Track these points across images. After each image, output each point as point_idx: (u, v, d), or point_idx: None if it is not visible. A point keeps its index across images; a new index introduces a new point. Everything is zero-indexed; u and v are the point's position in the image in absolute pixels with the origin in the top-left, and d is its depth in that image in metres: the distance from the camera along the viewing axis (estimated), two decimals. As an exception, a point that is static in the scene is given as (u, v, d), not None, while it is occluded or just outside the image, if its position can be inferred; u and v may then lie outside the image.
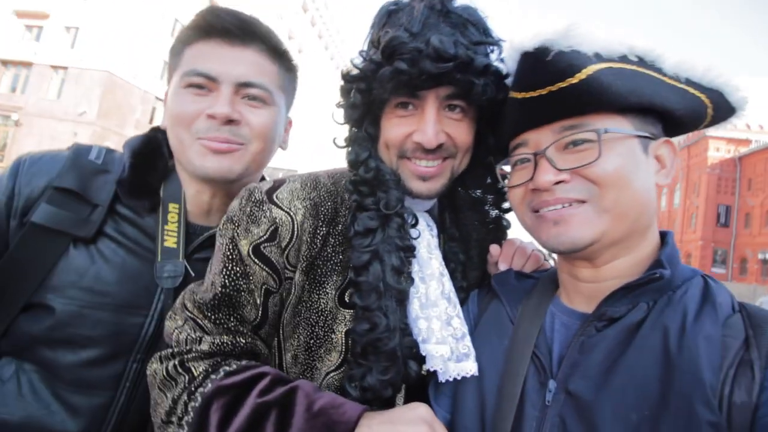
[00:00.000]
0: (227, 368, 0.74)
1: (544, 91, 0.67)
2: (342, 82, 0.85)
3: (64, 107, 21.97)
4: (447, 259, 0.94)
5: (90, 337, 0.87)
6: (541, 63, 0.66)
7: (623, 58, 0.67)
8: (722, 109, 0.74)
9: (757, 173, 38.62)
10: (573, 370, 0.68)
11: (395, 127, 0.81)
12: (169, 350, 0.79)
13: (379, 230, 0.80)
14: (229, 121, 0.91)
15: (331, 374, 0.82)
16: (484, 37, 0.78)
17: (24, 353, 0.87)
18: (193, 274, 0.95)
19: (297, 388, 0.70)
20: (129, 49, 21.87)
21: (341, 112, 0.87)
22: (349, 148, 0.87)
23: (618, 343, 0.65)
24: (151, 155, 0.99)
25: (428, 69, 0.70)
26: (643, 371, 0.60)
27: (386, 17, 0.81)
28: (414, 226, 0.87)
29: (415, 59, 0.71)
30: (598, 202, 0.67)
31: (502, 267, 0.95)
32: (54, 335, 0.86)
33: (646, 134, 0.69)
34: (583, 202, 0.68)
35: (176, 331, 0.79)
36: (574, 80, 0.63)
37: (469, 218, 0.97)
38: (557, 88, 0.65)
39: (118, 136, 20.83)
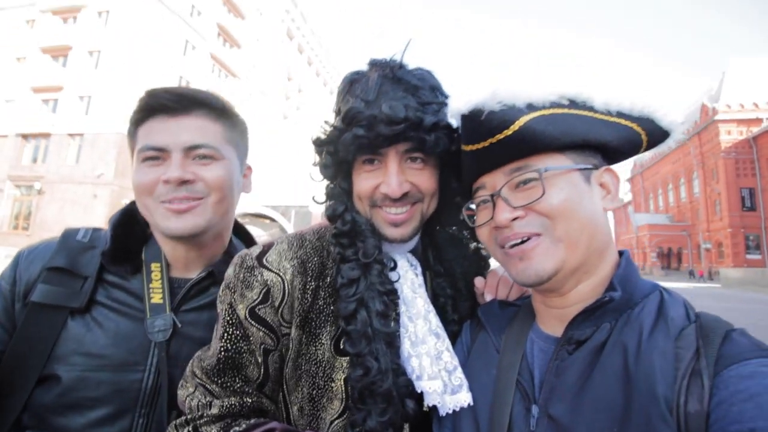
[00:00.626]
0: (237, 428, 0.78)
1: (486, 143, 0.75)
2: (313, 147, 0.95)
3: (83, 171, 22.93)
4: (437, 295, 0.99)
5: (95, 398, 0.93)
6: (477, 122, 0.74)
7: (555, 104, 0.74)
8: (656, 133, 0.80)
9: (776, 152, 37.55)
10: (551, 394, 0.71)
11: (364, 181, 0.89)
12: (183, 418, 0.83)
13: (362, 279, 0.86)
14: (184, 182, 1.00)
15: (335, 422, 0.85)
16: (433, 97, 0.87)
17: (42, 424, 0.93)
18: (180, 325, 1.02)
19: None
20: (139, 109, 22.86)
21: (317, 170, 0.96)
22: (327, 203, 0.95)
23: (586, 365, 0.68)
24: (129, 225, 1.10)
25: (383, 132, 0.80)
26: (609, 390, 0.63)
27: (348, 86, 0.90)
28: (393, 269, 0.92)
29: (371, 124, 0.81)
30: (552, 233, 0.73)
31: (488, 297, 1.00)
32: (63, 401, 0.92)
33: (586, 166, 0.76)
34: (539, 234, 0.74)
35: (188, 398, 0.85)
36: (508, 132, 0.71)
37: (451, 254, 1.04)
38: (496, 140, 0.73)
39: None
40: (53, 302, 0.96)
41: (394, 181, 0.84)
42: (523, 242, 0.75)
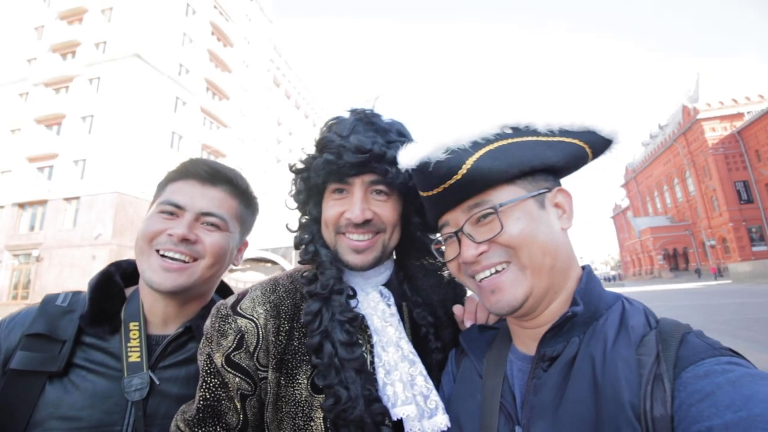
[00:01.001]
0: None
1: (440, 189, 0.79)
2: (290, 174, 1.04)
3: (81, 234, 22.96)
4: (418, 325, 1.02)
5: None
6: (426, 174, 0.79)
7: (499, 136, 0.77)
8: (598, 144, 0.84)
9: (762, 143, 38.15)
10: (532, 413, 0.72)
11: (331, 209, 0.96)
12: None
13: (324, 310, 0.89)
14: (185, 240, 1.06)
15: None
16: (399, 139, 0.96)
17: None
18: (158, 383, 1.02)
19: None
20: (133, 167, 23.28)
21: (292, 200, 1.04)
22: (297, 233, 1.02)
23: (561, 380, 0.70)
24: (105, 286, 1.11)
25: (349, 159, 0.89)
26: (581, 403, 0.65)
27: (327, 128, 1.00)
28: (353, 297, 0.95)
29: (340, 152, 0.90)
30: (517, 261, 0.76)
31: (468, 324, 1.01)
32: None
33: (539, 191, 0.78)
34: (508, 262, 0.76)
35: None
36: (458, 176, 0.75)
37: (426, 283, 1.07)
38: (448, 185, 0.77)
39: (133, 250, 21.36)
40: (32, 368, 0.96)
41: (358, 207, 0.92)
42: (491, 274, 0.78)
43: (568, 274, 0.79)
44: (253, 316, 0.90)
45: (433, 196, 0.81)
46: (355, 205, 0.92)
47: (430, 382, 0.91)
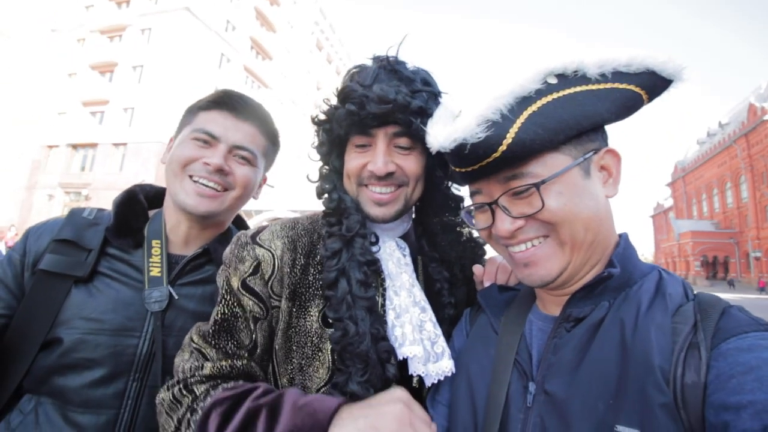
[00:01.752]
0: (226, 385, 0.82)
1: (476, 167, 0.72)
2: (313, 126, 1.02)
3: (126, 178, 24.25)
4: (433, 280, 1.02)
5: (92, 359, 1.00)
6: (463, 155, 0.71)
7: (541, 92, 0.68)
8: (657, 87, 0.74)
9: (836, 153, 34.65)
10: (549, 370, 0.71)
11: (353, 160, 0.95)
12: (175, 378, 0.88)
13: (344, 251, 0.91)
14: (220, 170, 1.13)
15: (322, 390, 0.88)
16: (424, 88, 0.92)
17: (40, 387, 1.00)
18: (176, 297, 1.10)
19: (286, 391, 0.79)
20: (176, 119, 23.98)
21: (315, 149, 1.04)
22: (318, 183, 1.02)
23: (584, 341, 0.69)
24: (130, 203, 1.18)
25: (372, 110, 0.86)
26: (605, 363, 0.64)
27: (350, 77, 0.98)
28: (375, 243, 0.97)
29: (363, 102, 0.87)
30: (556, 236, 0.72)
31: (487, 284, 1.01)
32: (62, 362, 0.99)
33: (585, 156, 0.72)
34: (546, 236, 0.73)
35: (182, 363, 0.89)
36: (497, 154, 0.68)
37: (445, 240, 1.06)
38: (485, 163, 0.70)
39: (172, 199, 22.51)
40: (59, 270, 1.04)
41: (381, 160, 0.90)
42: (527, 248, 0.74)
43: (608, 244, 0.76)
44: (270, 247, 0.94)
45: (467, 171, 0.75)
46: (377, 157, 0.91)
47: (439, 328, 0.92)
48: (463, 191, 1.06)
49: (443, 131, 0.73)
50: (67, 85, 28.16)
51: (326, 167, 1.02)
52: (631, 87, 0.71)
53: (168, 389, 0.86)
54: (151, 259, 1.11)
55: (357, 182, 0.96)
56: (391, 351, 0.87)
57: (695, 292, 0.68)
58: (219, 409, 0.75)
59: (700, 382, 0.55)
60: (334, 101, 0.96)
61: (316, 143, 1.02)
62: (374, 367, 0.83)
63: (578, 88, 0.69)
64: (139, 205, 1.20)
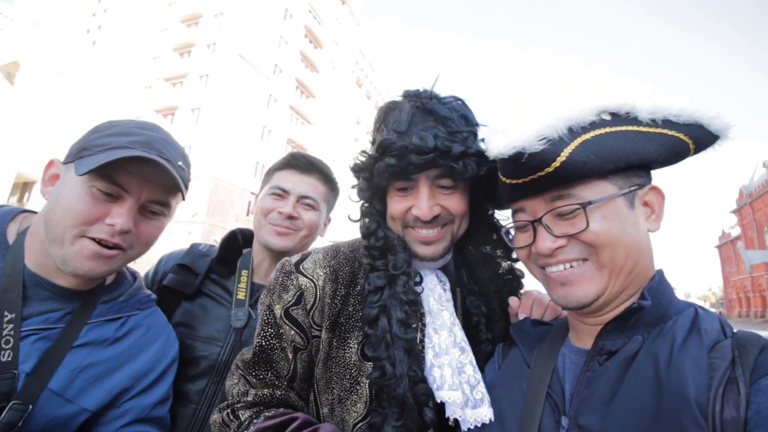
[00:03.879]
0: (267, 414, 0.85)
1: (527, 179, 0.74)
2: (351, 173, 1.02)
3: (180, 211, 25.98)
4: (471, 313, 1.01)
5: (185, 359, 1.20)
6: (518, 164, 0.73)
7: (595, 124, 0.72)
8: (704, 139, 0.77)
9: None
10: (582, 404, 0.70)
11: (397, 204, 0.94)
12: (226, 402, 0.94)
13: (387, 288, 0.90)
14: (291, 217, 1.41)
15: (359, 425, 0.87)
16: (462, 126, 0.90)
17: None
18: (255, 318, 1.30)
19: (322, 426, 0.80)
20: (228, 156, 25.80)
21: (355, 192, 1.03)
22: (362, 222, 1.02)
23: (618, 375, 0.68)
24: (230, 242, 1.49)
25: (413, 161, 0.85)
26: (639, 397, 0.63)
27: (383, 117, 0.96)
28: (419, 283, 0.96)
29: (402, 154, 0.85)
30: (596, 260, 0.73)
31: (521, 317, 0.99)
32: None
33: (630, 189, 0.74)
34: (585, 260, 0.74)
35: (231, 387, 0.94)
36: (550, 169, 0.70)
37: (484, 272, 1.05)
38: (537, 176, 0.73)
39: (222, 230, 23.81)
40: (174, 286, 1.34)
41: (425, 205, 0.89)
42: (565, 268, 0.75)
43: (645, 277, 0.76)
44: (313, 276, 0.94)
45: (517, 184, 0.77)
46: (421, 201, 0.90)
47: (479, 373, 0.90)
48: (504, 221, 1.05)
49: (503, 140, 0.75)
50: (134, 128, 31.10)
51: (366, 205, 1.02)
52: (680, 135, 0.75)
53: (219, 412, 0.92)
54: (239, 285, 1.38)
55: (402, 224, 0.95)
56: (430, 394, 0.85)
57: (734, 330, 0.68)
58: None
59: (740, 418, 0.55)
60: (370, 148, 0.97)
61: (357, 189, 1.01)
62: (410, 411, 0.82)
63: (630, 128, 0.73)
64: (236, 243, 1.51)
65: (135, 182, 0.92)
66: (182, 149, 1.07)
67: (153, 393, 1.01)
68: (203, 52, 29.61)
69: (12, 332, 0.83)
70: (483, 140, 0.93)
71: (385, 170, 0.89)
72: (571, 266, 0.75)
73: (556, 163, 0.70)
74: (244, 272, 1.41)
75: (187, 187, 1.06)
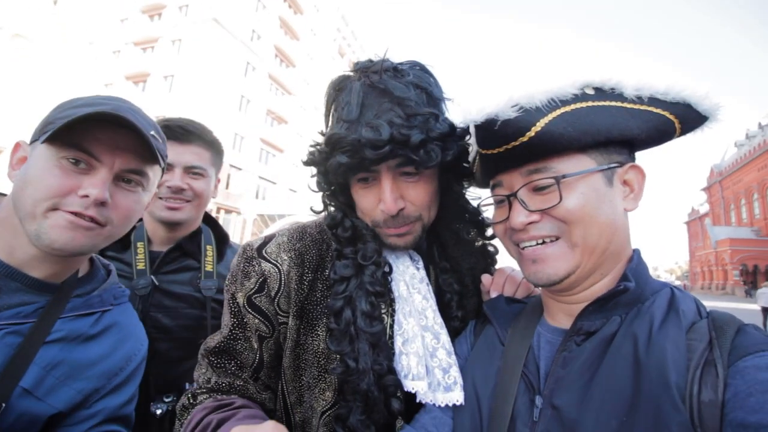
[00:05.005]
0: (218, 397, 0.86)
1: (501, 149, 0.72)
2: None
3: (156, 184, 25.22)
4: (443, 291, 0.98)
5: None
6: (491, 131, 0.71)
7: (578, 97, 0.69)
8: (691, 119, 0.74)
9: None
10: (557, 384, 0.70)
11: (363, 198, 0.89)
12: (191, 388, 0.93)
13: (353, 278, 0.86)
14: (180, 190, 1.42)
15: (327, 413, 0.86)
16: (424, 105, 0.82)
17: None
18: (158, 283, 1.39)
19: (239, 412, 0.78)
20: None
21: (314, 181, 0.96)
22: (327, 212, 0.97)
23: (596, 356, 0.68)
24: None
25: (367, 156, 0.77)
26: (618, 379, 0.63)
27: (333, 97, 0.88)
28: (389, 273, 0.92)
29: (355, 149, 0.78)
30: (569, 238, 0.71)
31: (494, 295, 0.97)
32: None
33: (609, 165, 0.72)
34: (557, 237, 0.72)
35: (199, 375, 0.94)
36: (524, 138, 0.68)
37: (457, 250, 1.02)
38: (511, 146, 0.70)
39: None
40: None
41: (389, 198, 0.83)
42: (537, 244, 0.74)
43: (620, 257, 0.74)
44: (277, 261, 0.89)
45: (491, 154, 0.75)
46: (385, 194, 0.84)
47: (453, 356, 0.87)
48: (475, 200, 1.03)
49: (475, 105, 0.72)
50: (103, 93, 29.55)
51: (329, 194, 0.97)
52: (665, 113, 0.72)
53: (185, 396, 0.91)
54: (137, 257, 1.42)
55: (372, 224, 0.90)
56: (398, 385, 0.82)
57: (708, 310, 0.68)
58: (197, 416, 0.81)
59: (717, 400, 0.55)
60: (322, 139, 0.88)
61: (315, 182, 0.95)
62: (375, 404, 0.80)
63: (613, 103, 0.71)
64: None
65: (106, 149, 0.85)
66: (154, 122, 1.00)
67: (123, 392, 0.96)
68: (175, 15, 27.94)
69: None
70: (446, 114, 0.88)
71: (338, 168, 0.82)
72: (544, 242, 0.73)
73: (531, 133, 0.67)
74: (140, 244, 1.45)
75: (164, 158, 0.99)
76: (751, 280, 46.22)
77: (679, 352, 0.60)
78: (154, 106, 26.64)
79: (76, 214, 0.83)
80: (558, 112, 0.68)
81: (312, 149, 0.90)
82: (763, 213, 47.15)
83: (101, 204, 0.85)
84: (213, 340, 0.95)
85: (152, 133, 0.93)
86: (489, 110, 0.69)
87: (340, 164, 0.81)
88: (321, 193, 0.97)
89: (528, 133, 0.67)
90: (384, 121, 0.78)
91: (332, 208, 0.96)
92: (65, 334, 0.88)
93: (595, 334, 0.70)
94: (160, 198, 1.42)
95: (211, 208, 24.42)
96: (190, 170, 1.46)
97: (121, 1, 30.53)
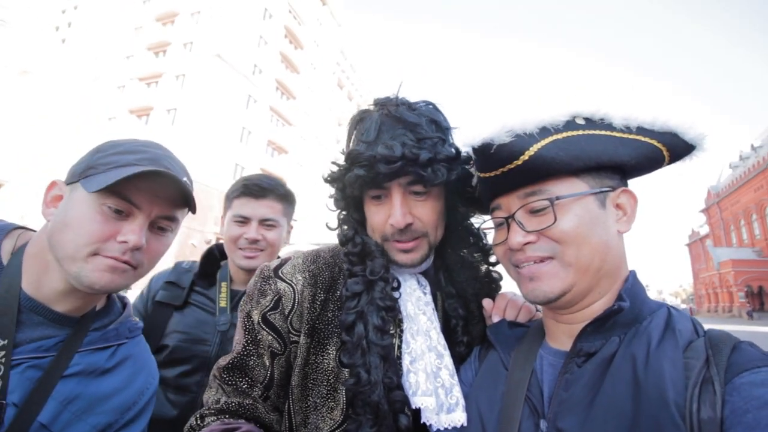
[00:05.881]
0: (225, 420, 0.86)
1: (497, 172, 0.76)
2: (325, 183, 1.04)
3: (156, 215, 25.25)
4: (449, 316, 1.02)
5: (182, 359, 1.51)
6: (487, 155, 0.75)
7: (569, 126, 0.74)
8: (679, 147, 0.78)
9: None
10: (560, 407, 0.71)
11: (375, 215, 0.96)
12: (200, 410, 0.93)
13: (365, 293, 0.91)
14: (255, 241, 1.61)
15: None
16: (431, 132, 0.91)
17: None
18: (236, 322, 1.38)
19: None
20: (207, 158, 25.25)
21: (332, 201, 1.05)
22: (339, 229, 1.03)
23: (596, 377, 0.69)
24: (208, 258, 1.75)
25: (381, 170, 0.86)
26: (619, 399, 0.64)
27: (354, 126, 0.99)
28: (397, 289, 0.96)
29: (371, 164, 0.87)
30: (562, 258, 0.74)
31: (495, 319, 1.00)
32: (166, 360, 1.49)
33: (602, 189, 0.75)
34: (552, 258, 0.75)
35: (208, 396, 0.95)
36: (518, 162, 0.72)
37: (463, 275, 1.06)
38: (507, 169, 0.75)
39: (200, 233, 23.27)
40: (166, 301, 1.61)
41: (398, 212, 0.90)
42: (534, 263, 0.77)
43: (616, 277, 0.77)
44: (292, 281, 0.95)
45: (489, 177, 0.79)
46: (395, 209, 0.91)
47: (455, 377, 0.90)
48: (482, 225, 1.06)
49: (472, 132, 0.78)
50: (107, 129, 30.20)
51: (343, 213, 1.04)
52: (653, 142, 0.76)
53: (193, 417, 0.91)
54: (220, 295, 1.62)
55: (381, 238, 0.96)
56: (405, 401, 0.85)
57: (705, 330, 0.69)
58: None
59: (716, 418, 0.56)
60: (341, 159, 0.97)
61: (333, 199, 1.03)
62: (385, 418, 0.82)
63: (603, 132, 0.75)
64: (214, 258, 1.76)
65: (146, 198, 0.90)
66: (184, 166, 1.07)
67: (134, 427, 0.96)
68: (179, 52, 28.92)
69: (3, 359, 0.78)
70: (453, 142, 0.95)
71: (356, 181, 0.90)
72: (541, 261, 0.76)
73: (525, 157, 0.71)
74: (223, 284, 1.65)
75: (193, 202, 1.04)
76: (759, 302, 45.48)
77: (676, 371, 0.61)
78: (157, 139, 26.79)
79: (114, 258, 0.86)
80: (550, 139, 0.72)
81: (332, 167, 1.00)
82: (763, 233, 47.04)
83: (137, 249, 0.88)
84: (225, 359, 0.97)
85: (184, 179, 0.98)
86: (485, 135, 0.74)
87: (357, 177, 0.89)
88: (337, 212, 1.05)
89: (522, 157, 0.72)
90: (398, 142, 0.87)
91: (345, 227, 1.02)
92: (82, 368, 0.88)
93: (595, 355, 0.72)
94: (240, 249, 1.61)
95: (210, 238, 24.46)
96: (264, 222, 1.64)
97: (127, 38, 31.74)
